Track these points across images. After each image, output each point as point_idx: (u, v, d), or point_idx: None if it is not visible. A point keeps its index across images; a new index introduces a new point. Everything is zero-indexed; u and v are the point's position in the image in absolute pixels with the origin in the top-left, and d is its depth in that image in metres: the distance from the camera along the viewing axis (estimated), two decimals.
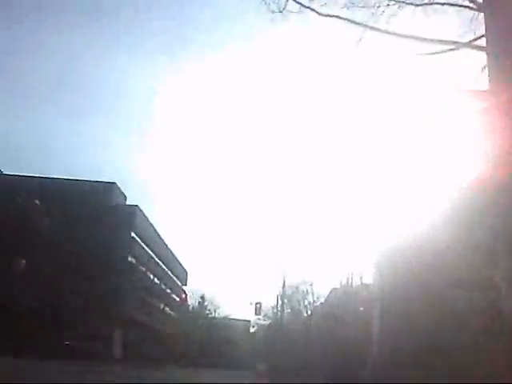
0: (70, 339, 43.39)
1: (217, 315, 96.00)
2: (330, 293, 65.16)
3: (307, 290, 60.90)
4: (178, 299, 78.65)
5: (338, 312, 60.74)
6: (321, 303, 64.66)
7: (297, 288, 60.18)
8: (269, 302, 62.97)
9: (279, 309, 58.42)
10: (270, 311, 66.67)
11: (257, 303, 49.42)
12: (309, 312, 63.82)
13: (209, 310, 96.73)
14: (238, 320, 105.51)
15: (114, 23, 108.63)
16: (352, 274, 65.73)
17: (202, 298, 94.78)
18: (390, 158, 48.48)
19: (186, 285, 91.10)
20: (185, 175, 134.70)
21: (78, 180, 57.29)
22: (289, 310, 61.96)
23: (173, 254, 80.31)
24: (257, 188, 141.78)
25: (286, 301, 56.85)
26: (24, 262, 42.05)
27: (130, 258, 58.54)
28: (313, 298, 62.92)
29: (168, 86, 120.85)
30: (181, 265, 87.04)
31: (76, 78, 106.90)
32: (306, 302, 62.59)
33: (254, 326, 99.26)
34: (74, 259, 46.16)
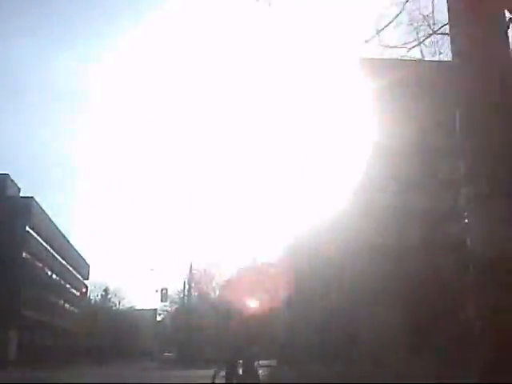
0: None
1: (121, 307, 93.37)
2: (237, 273, 65.27)
3: (214, 273, 60.50)
4: (78, 294, 75.00)
5: (246, 289, 61.07)
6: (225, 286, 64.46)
7: (204, 271, 59.57)
8: (176, 287, 61.88)
9: (186, 293, 57.27)
10: (178, 297, 65.56)
11: (162, 289, 47.99)
12: (217, 293, 63.50)
13: (113, 302, 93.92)
14: (144, 310, 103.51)
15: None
16: (257, 254, 66.33)
17: (105, 290, 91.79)
18: (301, 144, 48.31)
19: (87, 279, 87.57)
20: (82, 163, 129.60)
21: None
22: (196, 294, 61.30)
23: (73, 248, 76.62)
24: (161, 172, 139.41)
25: (193, 284, 55.86)
26: None
27: (24, 254, 54.93)
28: (221, 279, 62.66)
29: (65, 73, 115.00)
30: (82, 258, 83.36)
31: None
32: (214, 284, 62.16)
33: (160, 314, 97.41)
34: None
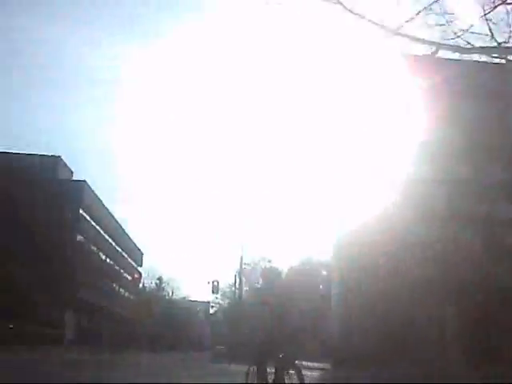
0: (17, 324, 39.59)
1: (175, 296, 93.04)
2: (288, 271, 63.75)
3: (265, 267, 59.10)
4: (131, 279, 74.65)
5: (297, 290, 59.40)
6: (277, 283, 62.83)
7: (255, 265, 58.24)
8: (227, 280, 60.67)
9: (237, 287, 55.91)
10: (229, 290, 64.43)
11: (214, 281, 46.73)
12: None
13: (166, 291, 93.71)
14: (197, 302, 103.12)
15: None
16: (310, 253, 64.63)
17: (160, 279, 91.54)
18: (349, 142, 46.75)
19: (141, 266, 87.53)
20: (138, 150, 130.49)
21: (18, 154, 52.92)
22: (247, 288, 60.03)
23: (126, 234, 76.43)
24: (215, 164, 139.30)
25: (243, 278, 54.56)
26: None
27: (78, 237, 54.64)
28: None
29: (119, 62, 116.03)
30: (135, 245, 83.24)
31: (24, 51, 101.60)
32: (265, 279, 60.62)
33: (212, 307, 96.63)
34: (18, 240, 42.15)
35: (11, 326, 37.33)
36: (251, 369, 8.35)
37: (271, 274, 9.57)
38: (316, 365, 39.26)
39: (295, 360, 8.28)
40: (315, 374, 24.83)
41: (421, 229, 38.22)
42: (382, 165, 40.68)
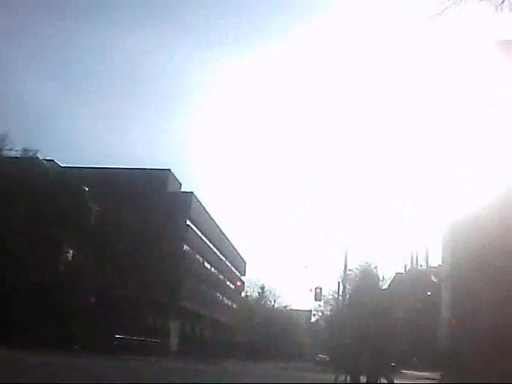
0: (123, 333, 41.34)
1: (277, 305, 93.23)
2: (394, 277, 61.64)
3: (364, 270, 57.38)
4: (233, 287, 75.67)
5: (405, 298, 57.31)
6: (384, 289, 60.93)
7: (360, 272, 56.56)
8: (330, 287, 59.44)
9: (340, 294, 54.33)
10: (332, 297, 63.28)
11: (316, 288, 45.84)
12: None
13: (269, 300, 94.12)
14: (299, 310, 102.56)
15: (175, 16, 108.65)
16: (417, 257, 61.68)
17: (262, 288, 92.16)
18: (449, 131, 44.03)
19: (244, 275, 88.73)
20: (240, 163, 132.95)
21: (132, 168, 55.73)
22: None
23: (230, 243, 77.85)
24: (315, 169, 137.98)
25: (347, 285, 52.92)
26: (71, 252, 40.10)
27: (185, 247, 56.30)
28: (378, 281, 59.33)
29: (226, 76, 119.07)
30: (239, 254, 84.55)
31: (134, 69, 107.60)
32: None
33: (314, 315, 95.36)
34: (128, 249, 44.11)
35: (118, 335, 38.88)
36: (340, 377, 8.30)
37: (370, 280, 9.01)
38: (424, 374, 37.54)
39: (388, 368, 7.95)
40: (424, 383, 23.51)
41: None
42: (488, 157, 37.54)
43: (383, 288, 61.57)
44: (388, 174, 71.11)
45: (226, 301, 78.63)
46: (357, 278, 58.94)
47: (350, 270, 55.32)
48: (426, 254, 64.81)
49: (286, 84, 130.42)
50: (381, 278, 61.40)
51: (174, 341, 52.51)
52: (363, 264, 56.68)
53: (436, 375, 36.62)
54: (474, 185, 39.70)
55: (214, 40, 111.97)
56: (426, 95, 50.00)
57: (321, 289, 52.57)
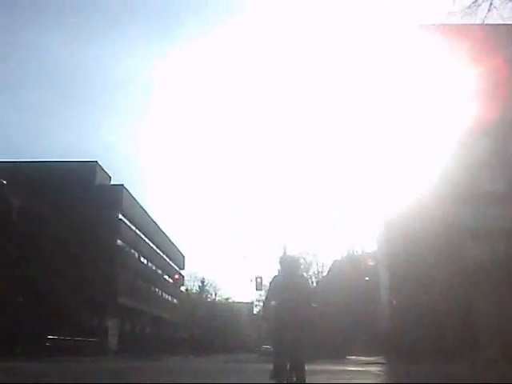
0: (56, 334, 38.80)
1: (218, 298, 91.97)
2: (332, 264, 61.83)
3: (311, 261, 57.23)
4: (171, 281, 73.40)
5: (344, 283, 57.54)
6: (323, 276, 61.09)
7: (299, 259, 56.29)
8: (271, 276, 58.67)
9: None
10: None
11: (257, 278, 44.80)
12: (314, 283, 60.30)
13: (210, 294, 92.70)
14: (241, 303, 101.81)
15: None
16: (353, 244, 62.38)
17: (202, 282, 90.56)
18: (385, 125, 44.93)
19: (183, 269, 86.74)
20: (174, 155, 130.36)
21: (56, 161, 52.72)
22: None
23: (166, 237, 75.64)
24: (253, 162, 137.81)
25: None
26: None
27: (118, 241, 53.88)
28: (317, 269, 59.26)
29: (153, 71, 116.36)
30: (176, 248, 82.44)
31: (59, 66, 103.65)
32: (311, 272, 58.92)
33: (256, 305, 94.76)
34: (56, 245, 41.49)
35: (50, 336, 36.49)
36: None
37: (290, 265, 8.34)
38: (369, 359, 37.31)
39: (300, 364, 7.61)
40: (373, 368, 22.89)
41: (476, 211, 35.79)
42: (426, 150, 38.66)
43: (324, 275, 61.91)
44: (326, 166, 71.96)
45: (165, 296, 76.40)
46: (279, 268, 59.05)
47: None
48: (362, 242, 65.50)
49: (209, 79, 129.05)
50: (320, 265, 61.50)
51: (112, 339, 50.11)
52: (303, 252, 56.25)
53: (381, 359, 36.39)
54: (408, 177, 40.65)
55: (138, 37, 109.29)
56: (360, 88, 50.62)
57: (261, 278, 51.52)
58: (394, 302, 43.34)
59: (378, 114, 47.26)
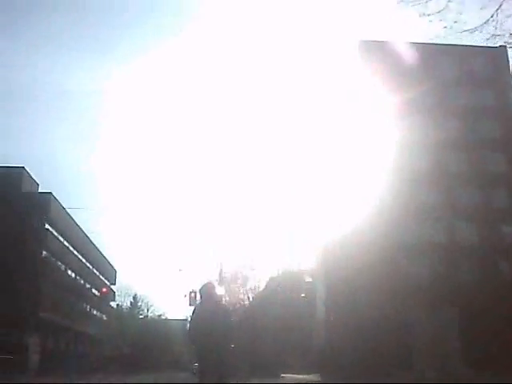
0: None
1: (150, 314, 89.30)
2: (269, 280, 61.15)
3: (247, 276, 56.34)
4: (98, 294, 70.32)
5: (280, 299, 56.91)
6: (259, 291, 60.31)
7: (236, 273, 55.17)
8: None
9: None
10: None
11: (191, 292, 43.22)
12: (250, 298, 59.28)
13: (142, 310, 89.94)
14: (174, 320, 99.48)
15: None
16: (290, 260, 62.08)
17: (134, 297, 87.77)
18: (326, 154, 45.29)
19: (114, 284, 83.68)
20: (108, 165, 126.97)
21: None
22: (227, 298, 56.65)
23: (97, 250, 72.70)
24: (189, 172, 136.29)
25: (223, 288, 51.06)
26: None
27: (44, 253, 51.05)
28: (254, 284, 58.39)
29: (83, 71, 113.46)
30: (108, 262, 79.45)
31: None
32: (247, 287, 57.94)
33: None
34: None
35: None
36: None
37: (206, 290, 8.95)
38: (305, 377, 36.50)
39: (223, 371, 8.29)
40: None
41: (411, 228, 36.01)
42: (367, 165, 38.82)
43: (260, 290, 60.99)
44: (268, 183, 71.76)
45: (94, 312, 73.16)
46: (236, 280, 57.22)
47: (226, 273, 53.95)
48: (299, 259, 65.17)
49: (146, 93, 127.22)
50: (257, 280, 60.47)
51: (33, 356, 47.01)
52: (241, 266, 55.08)
53: (316, 377, 35.72)
54: (347, 195, 40.79)
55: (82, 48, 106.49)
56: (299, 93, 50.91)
57: (195, 293, 49.95)
58: (331, 318, 42.91)
59: (317, 133, 47.31)
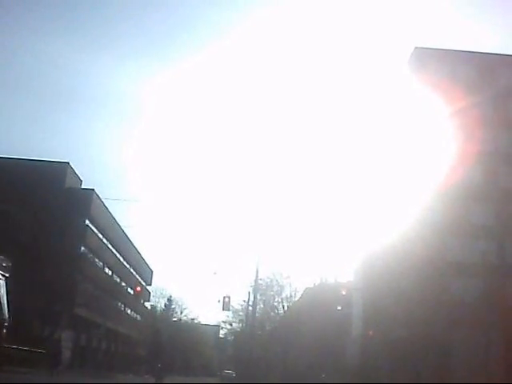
0: (6, 343, 35.76)
1: (183, 317, 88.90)
2: (304, 291, 59.83)
3: (283, 284, 55.09)
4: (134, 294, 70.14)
5: (316, 312, 55.55)
6: (294, 303, 59.07)
7: (271, 281, 54.00)
8: (239, 297, 56.15)
9: (250, 304, 50.95)
10: (241, 307, 60.27)
11: (225, 297, 42.45)
12: (285, 307, 58.04)
13: (176, 312, 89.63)
14: (207, 325, 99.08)
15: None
16: (326, 273, 60.67)
17: (169, 299, 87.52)
18: (373, 162, 44.04)
19: (150, 284, 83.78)
20: (151, 166, 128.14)
21: (24, 159, 50.19)
22: (262, 306, 55.51)
23: (135, 249, 72.84)
24: (229, 177, 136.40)
25: (258, 295, 49.94)
26: None
27: (82, 248, 51.21)
28: (290, 293, 57.06)
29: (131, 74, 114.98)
30: (145, 262, 79.55)
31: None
32: (283, 296, 56.69)
33: (222, 328, 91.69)
34: (14, 244, 38.76)
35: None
36: None
37: None
38: None
39: None
40: None
41: (461, 244, 34.45)
42: (410, 178, 37.53)
43: (295, 300, 59.66)
44: (307, 188, 70.71)
45: (128, 311, 73.19)
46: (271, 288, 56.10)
47: (261, 280, 52.86)
48: (335, 271, 63.82)
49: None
50: (293, 289, 59.04)
51: (65, 352, 47.02)
52: (276, 273, 53.81)
53: None
54: (392, 209, 39.47)
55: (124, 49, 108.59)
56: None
57: (229, 298, 49.06)
58: (370, 333, 41.50)
59: (364, 145, 46.20)
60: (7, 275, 18.08)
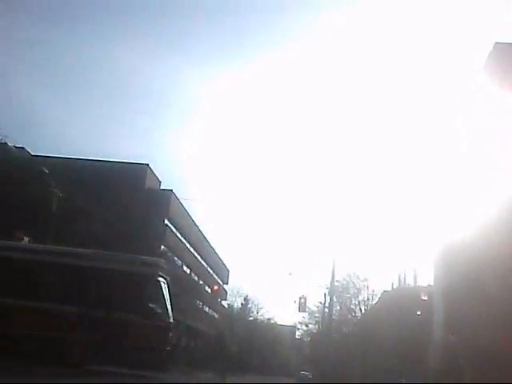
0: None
1: (259, 316, 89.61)
2: (382, 294, 58.55)
3: (360, 287, 54.19)
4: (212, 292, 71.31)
5: (394, 316, 54.21)
6: (371, 306, 57.93)
7: (347, 283, 53.22)
8: (315, 298, 55.73)
9: (327, 306, 50.48)
10: (317, 308, 59.92)
11: (301, 298, 42.29)
12: (362, 310, 57.04)
13: (252, 311, 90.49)
14: (284, 326, 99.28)
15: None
16: (405, 276, 59.02)
17: (246, 299, 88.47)
18: (446, 157, 42.31)
19: (227, 283, 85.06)
20: (225, 167, 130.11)
21: (107, 161, 52.18)
22: (338, 308, 54.82)
23: (212, 248, 74.16)
24: (306, 177, 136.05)
25: (334, 297, 49.39)
26: (26, 240, 36.26)
27: (162, 247, 52.68)
28: (367, 296, 56.05)
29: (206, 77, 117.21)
30: (221, 261, 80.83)
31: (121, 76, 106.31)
32: (360, 299, 55.76)
33: (298, 329, 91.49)
34: (95, 242, 40.36)
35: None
36: None
37: None
38: None
39: None
40: None
41: None
42: (489, 172, 35.91)
43: (373, 303, 58.42)
44: (383, 186, 69.13)
45: (206, 309, 74.65)
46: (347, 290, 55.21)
47: (337, 281, 52.22)
48: (415, 274, 61.84)
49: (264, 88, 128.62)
50: (370, 292, 57.89)
51: None
52: (352, 275, 52.83)
53: None
54: (468, 206, 37.81)
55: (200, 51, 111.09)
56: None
57: (305, 299, 48.92)
58: (452, 337, 39.94)
59: (440, 138, 44.74)
60: (168, 278, 18.72)
